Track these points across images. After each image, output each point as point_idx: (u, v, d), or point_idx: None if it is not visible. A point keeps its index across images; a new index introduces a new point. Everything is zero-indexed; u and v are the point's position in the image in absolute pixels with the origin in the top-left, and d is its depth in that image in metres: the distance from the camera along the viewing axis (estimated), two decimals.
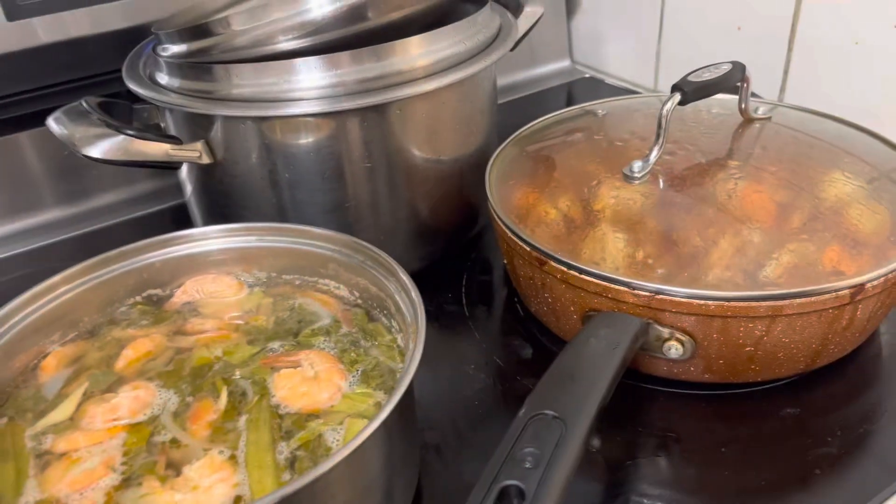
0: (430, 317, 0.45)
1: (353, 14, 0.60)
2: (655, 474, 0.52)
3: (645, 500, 0.50)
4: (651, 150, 0.58)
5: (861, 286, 0.49)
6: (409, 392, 0.43)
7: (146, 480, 0.42)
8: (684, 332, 0.52)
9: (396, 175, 0.65)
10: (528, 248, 0.56)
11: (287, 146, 0.61)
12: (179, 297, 0.56)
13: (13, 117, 0.82)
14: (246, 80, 0.59)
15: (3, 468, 0.43)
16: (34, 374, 0.50)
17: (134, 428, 0.45)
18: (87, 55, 0.82)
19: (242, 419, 0.45)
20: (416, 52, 0.61)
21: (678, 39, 0.97)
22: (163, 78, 0.63)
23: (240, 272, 0.57)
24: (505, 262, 0.64)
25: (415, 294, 0.47)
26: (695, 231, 0.55)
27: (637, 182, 0.58)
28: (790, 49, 0.83)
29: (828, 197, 0.56)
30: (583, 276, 0.53)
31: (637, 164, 0.58)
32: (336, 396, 0.46)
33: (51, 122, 0.61)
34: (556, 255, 0.54)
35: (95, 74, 0.85)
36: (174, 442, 0.44)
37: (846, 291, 0.49)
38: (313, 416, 0.45)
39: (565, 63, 1.15)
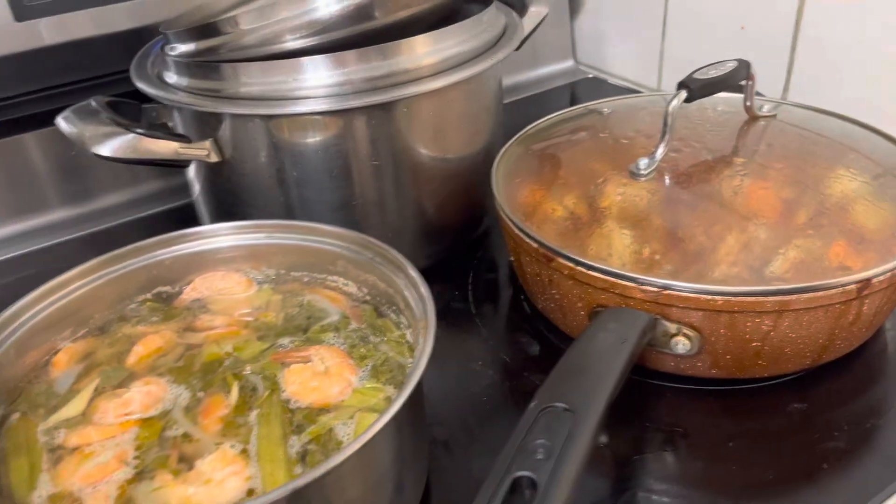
0: (437, 314, 0.45)
1: (360, 13, 0.61)
2: (662, 469, 0.52)
3: (652, 495, 0.50)
4: (657, 147, 0.58)
5: (867, 281, 0.50)
6: (419, 387, 0.43)
7: (159, 474, 0.42)
8: (691, 327, 0.52)
9: (403, 173, 0.65)
10: (535, 245, 0.56)
11: (295, 144, 0.61)
12: (189, 294, 0.56)
13: (19, 118, 0.82)
14: (254, 79, 0.59)
15: (16, 462, 0.43)
16: (46, 370, 0.50)
17: (146, 423, 0.45)
18: (92, 56, 0.83)
19: (253, 414, 0.46)
20: (423, 50, 0.61)
21: (682, 39, 0.98)
22: (171, 77, 0.64)
23: (249, 269, 0.57)
24: (511, 259, 0.64)
25: (424, 289, 0.48)
26: (701, 227, 0.55)
27: (643, 179, 0.59)
28: (794, 48, 0.84)
29: (833, 193, 0.57)
30: (590, 272, 0.53)
31: (643, 162, 0.59)
32: (346, 391, 0.47)
33: (60, 121, 0.61)
34: (564, 252, 0.54)
35: (100, 75, 0.85)
36: (186, 436, 0.44)
37: (853, 286, 0.50)
38: (324, 410, 0.45)
39: (568, 63, 1.15)
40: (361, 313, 0.53)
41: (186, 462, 0.43)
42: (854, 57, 0.79)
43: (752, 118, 0.65)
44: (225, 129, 0.62)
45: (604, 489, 0.51)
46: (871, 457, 0.51)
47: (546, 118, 0.72)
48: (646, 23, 1.01)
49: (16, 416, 0.46)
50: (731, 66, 0.61)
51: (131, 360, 0.50)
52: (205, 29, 0.62)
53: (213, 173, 0.66)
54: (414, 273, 0.49)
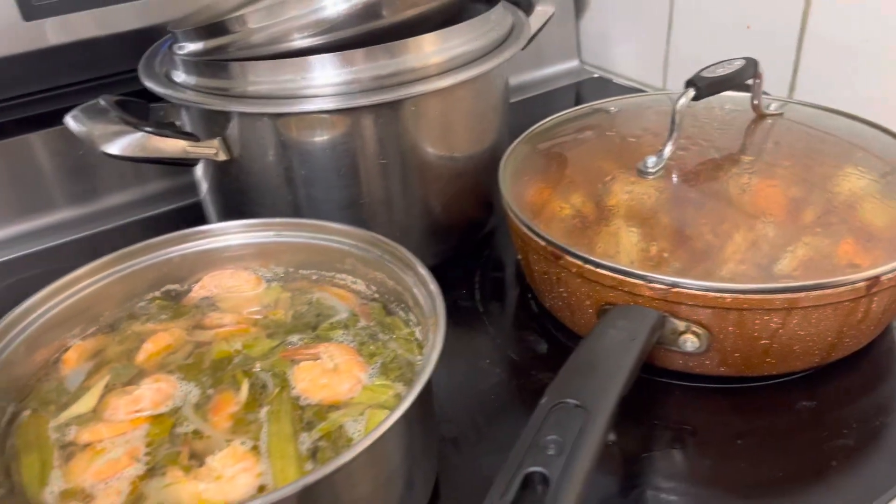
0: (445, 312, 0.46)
1: (368, 12, 0.61)
2: (671, 467, 0.52)
3: (661, 493, 0.50)
4: (665, 145, 0.59)
5: (877, 278, 0.50)
6: (429, 384, 0.43)
7: (170, 470, 0.42)
8: (700, 325, 0.52)
9: (410, 172, 0.65)
10: (543, 243, 0.56)
11: (303, 143, 0.61)
12: (197, 292, 0.56)
13: (25, 117, 0.82)
14: (262, 78, 0.59)
15: (28, 459, 0.43)
16: (56, 368, 0.50)
17: (156, 419, 0.45)
18: (98, 56, 0.83)
19: (263, 411, 0.46)
20: (430, 49, 0.61)
21: (687, 39, 0.98)
22: (179, 76, 0.64)
23: (257, 267, 0.57)
24: (519, 257, 0.64)
25: (433, 286, 0.48)
26: (709, 225, 0.55)
27: (651, 177, 0.59)
28: (800, 47, 0.84)
29: (841, 191, 0.57)
30: (599, 270, 0.53)
31: (651, 160, 0.59)
32: (356, 388, 0.47)
33: (69, 120, 0.61)
34: (572, 250, 0.54)
35: (105, 76, 0.85)
36: (196, 433, 0.45)
37: (862, 284, 0.50)
38: (334, 407, 0.46)
39: (573, 63, 1.16)
40: (370, 311, 0.54)
41: (197, 458, 0.43)
42: (861, 56, 0.79)
43: (760, 116, 0.65)
44: (233, 128, 0.62)
45: (612, 487, 0.51)
46: (880, 454, 0.51)
47: (552, 117, 0.72)
48: (651, 22, 1.01)
49: (27, 413, 0.47)
50: (738, 64, 0.61)
51: (141, 357, 0.50)
52: (213, 28, 0.62)
53: (220, 172, 0.66)
54: (423, 270, 0.49)
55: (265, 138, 0.62)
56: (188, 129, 0.65)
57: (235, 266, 0.57)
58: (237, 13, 0.61)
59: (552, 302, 0.61)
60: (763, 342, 0.52)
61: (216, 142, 0.63)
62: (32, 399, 0.48)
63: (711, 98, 0.61)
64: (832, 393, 0.56)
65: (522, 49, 0.68)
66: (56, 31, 0.79)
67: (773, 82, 0.86)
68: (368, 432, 0.40)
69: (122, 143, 0.61)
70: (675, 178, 0.59)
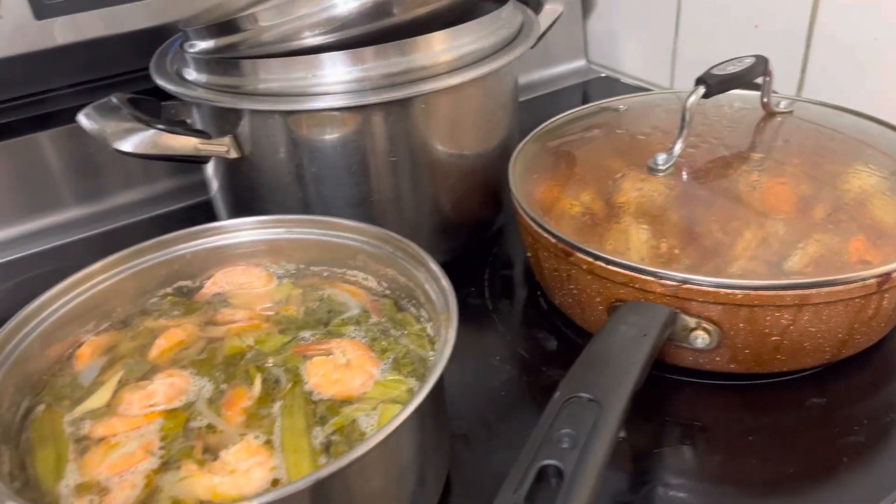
0: None
1: (378, 10, 0.61)
2: (681, 463, 0.52)
3: (671, 490, 0.50)
4: (675, 143, 0.59)
5: (888, 275, 0.50)
6: (441, 379, 0.43)
7: (184, 464, 0.42)
8: (711, 321, 0.52)
9: (420, 169, 0.65)
10: (553, 240, 0.56)
11: (314, 140, 0.62)
12: (209, 288, 0.56)
13: (34, 116, 0.82)
14: (273, 75, 0.60)
15: (43, 453, 0.44)
16: (69, 363, 0.50)
17: (170, 414, 0.46)
18: (107, 55, 0.83)
19: (276, 405, 0.46)
20: (441, 47, 0.61)
21: (694, 38, 0.98)
22: (190, 74, 0.64)
23: (269, 264, 0.58)
24: (529, 255, 0.64)
25: (445, 282, 0.48)
26: (719, 223, 0.55)
27: (661, 175, 0.59)
28: (808, 46, 0.84)
29: (851, 189, 0.57)
30: (610, 267, 0.53)
31: (661, 157, 0.59)
32: (368, 383, 0.47)
33: (81, 118, 0.62)
34: (583, 246, 0.54)
35: (113, 75, 0.86)
36: (210, 427, 0.45)
37: (873, 280, 0.50)
38: (347, 402, 0.46)
39: (581, 62, 1.16)
40: (381, 307, 0.54)
41: (211, 452, 0.43)
42: (869, 54, 0.79)
43: (769, 114, 0.65)
44: (244, 126, 0.62)
45: (623, 483, 0.51)
46: (891, 451, 0.51)
47: (561, 115, 0.72)
48: (658, 22, 1.02)
49: (41, 407, 0.47)
50: (748, 62, 0.61)
51: (154, 353, 0.51)
52: (224, 26, 0.62)
53: (231, 170, 0.66)
54: (435, 267, 0.49)
55: (276, 136, 0.62)
56: (199, 126, 0.65)
57: (247, 263, 0.57)
58: (248, 11, 0.61)
59: (562, 299, 0.61)
60: (774, 339, 0.52)
61: (227, 139, 0.63)
62: (47, 394, 0.48)
63: (720, 96, 0.61)
64: (843, 390, 0.56)
65: (532, 47, 0.68)
66: (65, 30, 0.79)
67: (782, 81, 0.86)
68: (382, 426, 0.40)
69: (135, 141, 0.61)
70: (685, 175, 0.59)
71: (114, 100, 0.62)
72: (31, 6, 0.75)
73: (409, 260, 0.52)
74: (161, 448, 0.43)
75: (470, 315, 0.66)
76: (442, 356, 0.42)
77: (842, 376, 0.57)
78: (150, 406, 0.46)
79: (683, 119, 0.58)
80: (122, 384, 0.48)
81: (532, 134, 0.69)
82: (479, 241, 0.75)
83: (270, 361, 0.49)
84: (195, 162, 0.66)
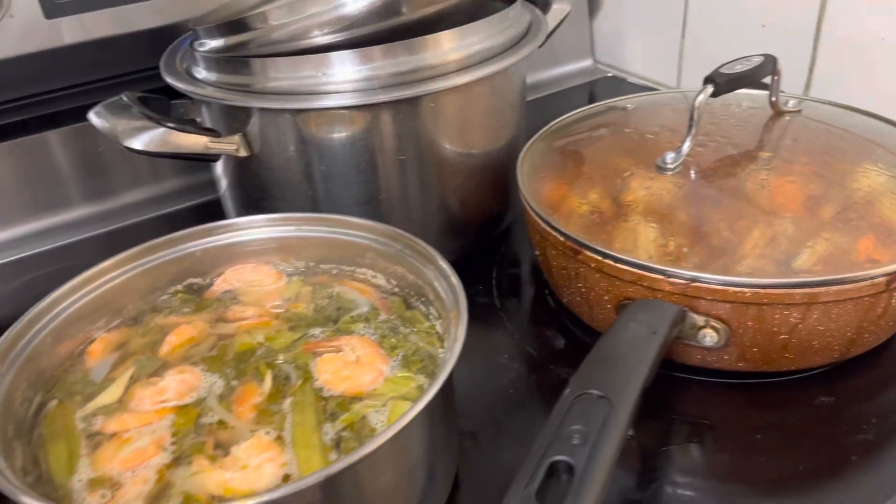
0: None
1: (388, 9, 0.62)
2: (689, 461, 0.52)
3: (679, 488, 0.50)
4: (684, 141, 0.59)
5: None
6: (451, 376, 0.43)
7: (196, 459, 0.42)
8: (719, 319, 0.52)
9: (429, 168, 0.65)
10: (562, 238, 0.57)
11: (323, 139, 0.62)
12: (219, 285, 0.57)
13: (42, 115, 0.83)
14: (282, 74, 0.60)
15: (55, 448, 0.44)
16: (81, 359, 0.51)
17: (181, 410, 0.46)
18: (115, 54, 0.84)
19: (287, 402, 0.46)
20: (449, 46, 0.61)
21: (702, 37, 0.98)
22: (200, 72, 0.65)
23: (278, 261, 0.58)
24: (536, 253, 0.65)
25: (455, 279, 0.48)
26: (727, 221, 0.55)
27: (670, 173, 0.59)
28: (815, 46, 0.84)
29: (860, 187, 0.57)
30: (618, 265, 0.53)
31: (670, 156, 0.59)
32: (378, 380, 0.47)
33: (92, 116, 0.62)
34: (592, 244, 0.54)
35: (121, 74, 0.86)
36: (221, 423, 0.45)
37: (882, 279, 0.50)
38: (357, 398, 0.46)
39: (587, 62, 1.16)
40: (390, 305, 0.54)
41: (222, 448, 0.43)
42: (877, 53, 0.79)
43: (778, 113, 0.65)
44: (254, 124, 0.63)
45: (631, 481, 0.51)
46: None
47: (569, 114, 0.72)
48: (665, 21, 1.02)
49: (53, 403, 0.47)
50: (757, 60, 0.61)
51: (164, 349, 0.51)
52: (234, 25, 0.62)
53: (241, 168, 0.67)
54: (444, 264, 0.50)
55: (285, 134, 0.62)
56: (209, 125, 0.66)
57: (257, 260, 0.58)
58: (258, 10, 0.61)
59: (570, 297, 0.62)
60: (782, 337, 0.52)
61: (237, 138, 0.63)
62: (58, 389, 0.48)
63: (728, 95, 0.61)
64: (851, 388, 0.56)
65: (540, 46, 0.69)
66: (74, 29, 0.79)
67: (789, 80, 0.86)
68: (392, 423, 0.40)
69: (145, 139, 0.61)
70: (693, 174, 0.59)
71: (124, 98, 0.62)
72: (41, 5, 0.76)
73: (418, 258, 0.52)
74: (172, 443, 0.44)
75: (478, 313, 0.66)
76: (452, 353, 0.42)
77: (850, 375, 0.57)
78: (162, 402, 0.46)
79: (692, 118, 0.58)
80: (133, 380, 0.48)
81: (540, 133, 0.69)
82: (486, 239, 0.75)
83: (281, 358, 0.49)
84: (205, 160, 0.66)
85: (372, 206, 0.65)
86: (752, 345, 0.53)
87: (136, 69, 0.86)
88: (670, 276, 0.51)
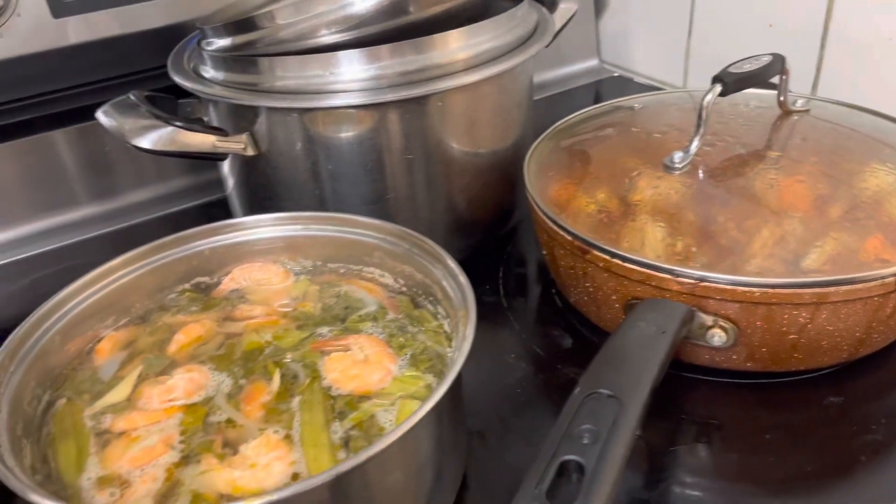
0: None
1: (395, 8, 0.61)
2: (697, 461, 0.52)
3: (687, 488, 0.50)
4: (692, 141, 0.59)
5: None
6: (459, 375, 0.43)
7: (205, 458, 0.42)
8: (728, 319, 0.52)
9: (436, 167, 0.65)
10: (569, 238, 0.57)
11: (330, 138, 0.62)
12: (227, 284, 0.57)
13: (48, 115, 0.83)
14: (290, 73, 0.60)
15: (64, 446, 0.44)
16: (89, 358, 0.51)
17: (190, 408, 0.46)
18: (121, 53, 0.84)
19: (295, 400, 0.46)
20: (457, 45, 0.61)
21: (708, 37, 0.98)
22: (207, 71, 0.65)
23: (286, 260, 0.58)
24: (544, 253, 0.64)
25: (463, 278, 0.48)
26: (735, 221, 0.55)
27: (678, 173, 0.59)
28: (823, 46, 0.83)
29: (868, 187, 0.57)
30: (626, 265, 0.53)
31: (678, 155, 0.59)
32: (387, 379, 0.47)
33: (100, 115, 0.62)
34: (600, 244, 0.54)
35: (128, 73, 0.86)
36: (230, 422, 0.45)
37: (891, 279, 0.50)
38: (365, 397, 0.46)
39: (593, 62, 1.16)
40: (398, 304, 0.54)
41: (231, 447, 0.43)
42: (885, 53, 0.78)
43: (786, 113, 0.65)
44: (261, 123, 0.63)
45: (638, 481, 0.51)
46: None
47: (576, 114, 0.72)
48: (671, 21, 1.02)
49: (62, 401, 0.47)
50: (765, 60, 0.61)
51: (172, 348, 0.51)
52: (242, 24, 0.62)
53: (248, 167, 0.67)
54: (453, 263, 0.49)
55: (293, 133, 0.62)
56: (216, 124, 0.66)
57: (264, 259, 0.58)
58: (266, 9, 0.61)
59: (577, 297, 0.61)
60: (791, 337, 0.52)
61: (244, 137, 0.63)
62: (67, 388, 0.48)
63: (736, 95, 0.61)
64: (860, 388, 0.56)
65: (547, 46, 0.68)
66: (80, 29, 0.79)
67: (796, 80, 0.86)
68: (401, 422, 0.40)
69: (153, 138, 0.61)
70: (701, 173, 0.59)
71: (131, 97, 0.62)
72: (48, 4, 0.76)
73: (426, 257, 0.52)
74: (181, 442, 0.44)
75: (485, 313, 0.65)
76: (461, 352, 0.42)
77: (859, 375, 0.57)
78: (170, 400, 0.46)
79: (700, 117, 0.58)
80: (141, 379, 0.48)
81: (547, 132, 0.69)
82: (493, 239, 0.75)
83: (289, 357, 0.49)
84: (212, 159, 0.66)
85: (379, 206, 0.65)
86: (760, 345, 0.53)
87: (142, 69, 0.86)
88: (679, 275, 0.51)
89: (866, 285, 0.49)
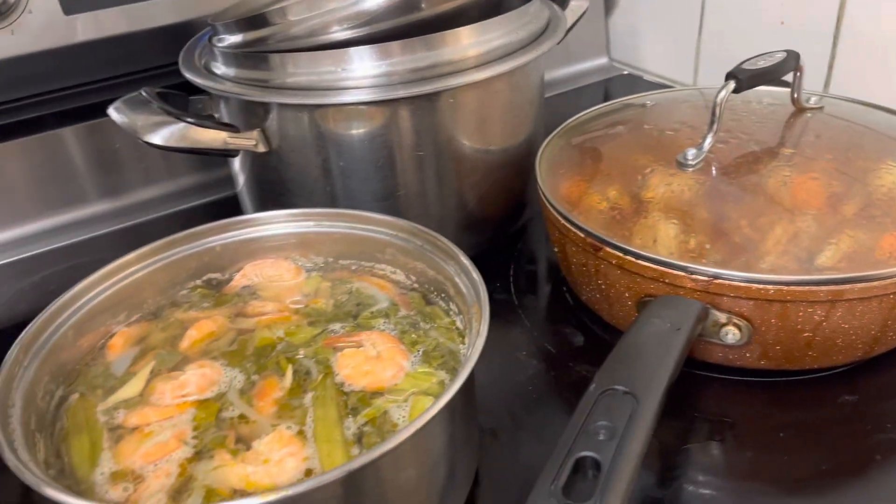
0: None
1: (407, 4, 0.61)
2: (710, 459, 0.52)
3: (700, 487, 0.50)
4: (705, 138, 0.58)
5: None
6: (472, 372, 0.43)
7: (217, 453, 0.42)
8: (742, 317, 0.52)
9: (447, 164, 0.65)
10: (582, 235, 0.56)
11: (341, 134, 0.62)
12: (238, 280, 0.57)
13: (58, 112, 0.83)
14: (301, 69, 0.60)
15: (77, 441, 0.44)
16: (102, 353, 0.51)
17: (202, 404, 0.46)
18: (132, 51, 0.84)
19: (308, 396, 0.46)
20: (468, 41, 0.61)
21: (719, 35, 0.97)
22: (219, 68, 0.65)
23: (298, 257, 0.58)
24: (556, 250, 0.64)
25: (476, 275, 0.48)
26: (749, 218, 0.55)
27: (691, 170, 0.58)
28: (835, 43, 0.83)
29: (883, 184, 0.56)
30: (639, 262, 0.53)
31: (691, 152, 0.58)
32: (399, 375, 0.47)
33: (112, 111, 0.62)
34: (613, 241, 0.54)
35: (138, 70, 0.86)
36: (242, 418, 0.45)
37: None
38: (378, 393, 0.46)
39: (603, 60, 1.15)
40: (410, 300, 0.54)
41: (244, 442, 0.43)
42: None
43: (799, 110, 0.65)
44: (272, 119, 0.62)
45: (651, 479, 0.51)
46: None
47: (587, 111, 0.72)
48: (682, 18, 1.01)
49: (75, 396, 0.47)
50: (779, 56, 0.60)
51: (185, 343, 0.51)
52: (253, 20, 0.62)
53: (259, 164, 0.67)
54: (465, 260, 0.49)
55: (304, 130, 0.62)
56: (227, 120, 0.66)
57: (276, 255, 0.58)
58: (277, 5, 0.61)
59: (589, 294, 0.61)
60: (805, 335, 0.52)
61: (255, 133, 0.63)
62: (80, 383, 0.48)
63: (748, 92, 0.61)
64: (875, 387, 0.55)
65: (558, 42, 0.68)
66: (90, 26, 0.79)
67: (808, 78, 0.85)
68: (414, 418, 0.40)
69: (165, 134, 0.62)
70: (714, 170, 0.59)
71: (143, 94, 0.62)
72: (59, 1, 0.76)
73: (439, 253, 0.52)
74: (194, 437, 0.44)
75: (496, 310, 0.64)
76: (475, 349, 0.42)
77: (874, 373, 0.56)
78: (183, 396, 0.46)
79: (714, 114, 0.58)
80: (154, 374, 0.48)
81: (558, 129, 0.69)
82: (504, 236, 0.75)
83: (301, 353, 0.49)
84: (223, 155, 0.66)
85: (390, 202, 0.65)
86: (775, 342, 0.53)
87: (152, 66, 0.86)
88: (692, 272, 0.51)
89: (882, 283, 0.49)
